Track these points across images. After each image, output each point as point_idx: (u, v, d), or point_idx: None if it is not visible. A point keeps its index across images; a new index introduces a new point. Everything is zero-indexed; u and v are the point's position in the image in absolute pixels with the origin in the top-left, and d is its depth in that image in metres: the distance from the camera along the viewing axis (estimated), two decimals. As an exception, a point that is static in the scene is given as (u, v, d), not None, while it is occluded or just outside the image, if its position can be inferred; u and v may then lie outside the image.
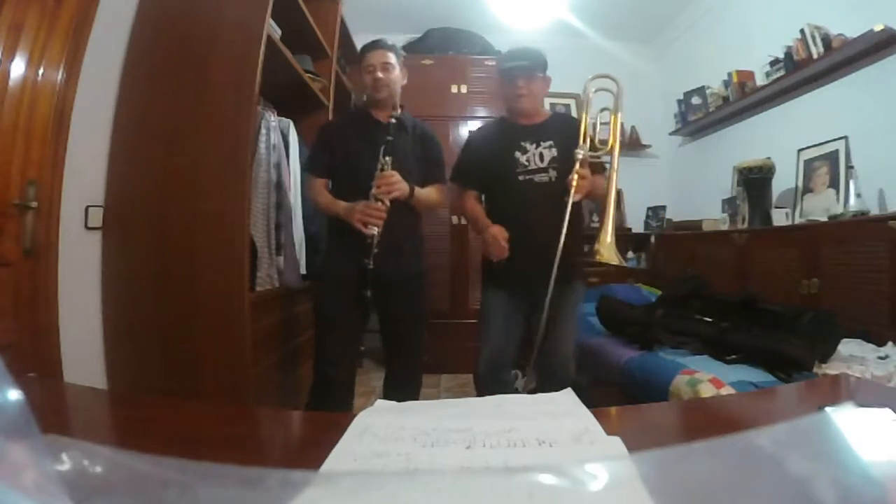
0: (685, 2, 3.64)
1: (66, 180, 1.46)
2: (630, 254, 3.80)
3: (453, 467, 0.39)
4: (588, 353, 2.34)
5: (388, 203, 1.56)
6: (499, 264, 1.63)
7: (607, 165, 1.68)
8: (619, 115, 1.68)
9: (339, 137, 1.73)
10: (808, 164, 2.55)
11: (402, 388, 1.74)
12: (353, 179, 1.64)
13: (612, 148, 1.64)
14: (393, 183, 1.58)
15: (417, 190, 1.68)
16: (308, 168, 1.82)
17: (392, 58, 1.71)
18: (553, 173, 1.67)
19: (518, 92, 1.69)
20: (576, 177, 1.56)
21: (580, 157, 1.57)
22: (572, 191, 1.55)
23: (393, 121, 1.63)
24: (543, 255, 1.54)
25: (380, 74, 1.67)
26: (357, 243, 1.56)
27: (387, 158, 1.59)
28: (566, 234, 1.53)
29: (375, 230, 1.55)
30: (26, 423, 0.24)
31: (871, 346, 1.80)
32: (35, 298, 1.38)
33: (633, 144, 4.06)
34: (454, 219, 3.45)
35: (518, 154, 1.70)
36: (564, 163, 1.64)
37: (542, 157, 1.69)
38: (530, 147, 1.71)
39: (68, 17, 1.45)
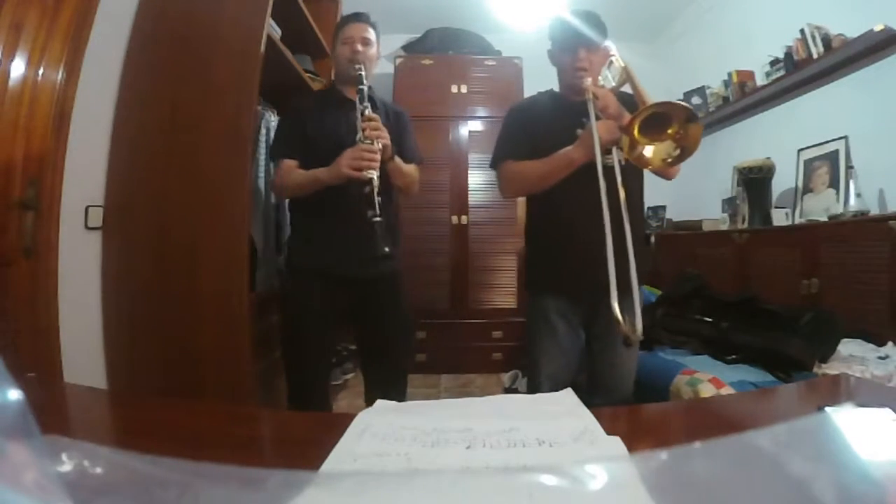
0: (685, 2, 3.63)
1: (66, 180, 1.45)
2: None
3: (453, 467, 0.39)
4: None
5: (378, 146, 1.43)
6: (554, 265, 1.43)
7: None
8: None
9: (309, 116, 1.59)
10: (808, 164, 2.55)
11: (388, 393, 1.63)
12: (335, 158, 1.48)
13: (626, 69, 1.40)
14: (380, 128, 1.45)
15: (397, 158, 1.55)
16: (275, 153, 1.62)
17: (372, 34, 1.61)
18: (620, 154, 1.34)
19: (579, 65, 1.41)
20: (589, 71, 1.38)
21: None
22: (590, 91, 1.33)
23: (362, 73, 1.50)
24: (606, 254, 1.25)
25: (359, 47, 1.56)
26: (337, 226, 1.45)
27: (366, 104, 1.46)
28: (629, 233, 1.27)
29: (374, 173, 1.38)
30: (26, 423, 0.24)
31: (871, 346, 1.80)
32: (35, 298, 1.38)
33: (633, 144, 4.06)
34: (454, 218, 3.46)
35: (580, 132, 1.40)
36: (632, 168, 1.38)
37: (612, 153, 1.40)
38: None
39: (68, 17, 1.45)
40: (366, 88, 1.49)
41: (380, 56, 1.68)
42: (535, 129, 1.46)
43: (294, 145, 1.57)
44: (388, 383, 1.60)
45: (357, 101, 1.48)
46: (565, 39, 1.44)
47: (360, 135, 1.43)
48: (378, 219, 1.36)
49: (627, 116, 1.31)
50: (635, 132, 1.21)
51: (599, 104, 1.32)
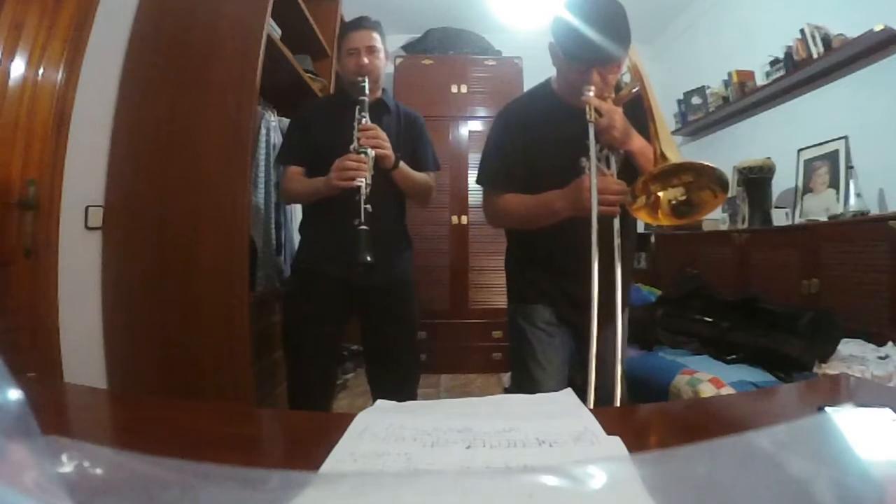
0: (685, 2, 3.63)
1: (66, 180, 1.46)
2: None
3: (453, 467, 0.39)
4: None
5: (371, 154, 1.40)
6: (542, 280, 1.31)
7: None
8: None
9: (315, 122, 1.58)
10: (808, 164, 2.55)
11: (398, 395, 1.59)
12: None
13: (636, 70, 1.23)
14: (378, 137, 1.42)
15: (403, 164, 1.51)
16: (280, 159, 1.64)
17: (377, 39, 1.54)
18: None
19: (587, 88, 1.15)
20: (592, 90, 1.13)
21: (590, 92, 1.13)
22: (591, 108, 1.10)
23: (365, 86, 1.46)
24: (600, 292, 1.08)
25: (365, 60, 1.50)
26: (341, 232, 1.37)
27: (364, 113, 1.44)
28: (622, 263, 1.14)
29: (362, 181, 1.35)
30: (26, 423, 0.24)
31: (871, 346, 1.80)
32: (35, 298, 1.38)
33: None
34: (454, 218, 3.46)
35: (584, 161, 1.15)
36: (632, 170, 1.17)
37: (608, 161, 1.18)
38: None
39: (68, 17, 1.45)
40: (367, 100, 1.47)
41: (388, 57, 1.63)
42: (531, 149, 1.25)
43: (299, 152, 1.57)
44: (391, 392, 1.55)
45: (357, 112, 1.45)
46: (576, 54, 1.14)
47: (354, 144, 1.42)
48: (364, 227, 1.32)
49: (636, 136, 1.17)
50: (651, 188, 1.05)
51: (604, 122, 1.12)
